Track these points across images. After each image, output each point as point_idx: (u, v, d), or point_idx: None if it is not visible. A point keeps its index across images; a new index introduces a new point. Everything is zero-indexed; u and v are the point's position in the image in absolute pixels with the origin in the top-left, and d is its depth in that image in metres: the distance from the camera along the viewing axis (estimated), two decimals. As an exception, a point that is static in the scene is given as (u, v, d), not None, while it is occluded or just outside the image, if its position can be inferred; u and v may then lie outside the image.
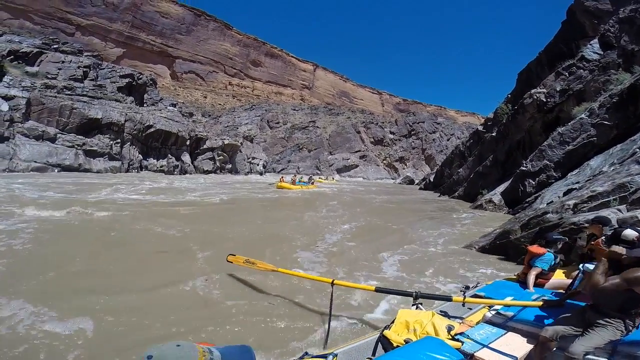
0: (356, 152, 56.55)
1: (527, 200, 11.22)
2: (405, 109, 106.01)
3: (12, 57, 24.65)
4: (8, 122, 18.53)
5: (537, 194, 10.81)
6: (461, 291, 2.90)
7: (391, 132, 63.28)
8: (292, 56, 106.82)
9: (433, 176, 30.08)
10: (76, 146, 21.01)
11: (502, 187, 13.96)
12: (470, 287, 3.16)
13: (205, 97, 78.09)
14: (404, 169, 57.35)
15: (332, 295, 3.14)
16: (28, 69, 24.62)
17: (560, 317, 2.21)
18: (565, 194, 8.38)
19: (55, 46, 28.80)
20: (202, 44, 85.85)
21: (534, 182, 11.92)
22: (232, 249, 4.91)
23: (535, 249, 3.40)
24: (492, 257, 6.09)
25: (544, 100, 13.88)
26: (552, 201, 8.26)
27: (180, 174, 27.90)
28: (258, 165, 43.37)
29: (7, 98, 19.76)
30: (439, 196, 20.31)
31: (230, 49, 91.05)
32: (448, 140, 64.57)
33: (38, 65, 25.74)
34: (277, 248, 6.33)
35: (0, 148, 17.35)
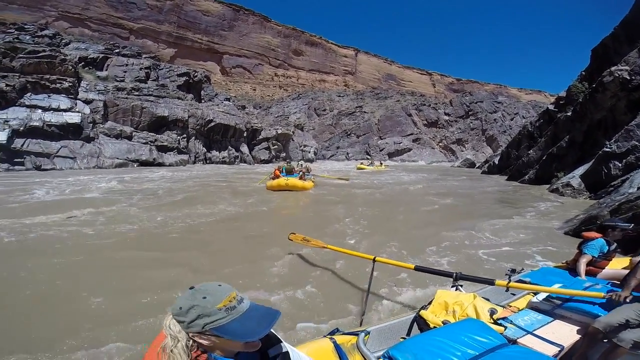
0: (408, 135, 54.17)
1: (612, 183, 10.27)
2: (459, 89, 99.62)
3: (82, 63, 26.32)
4: (91, 124, 19.84)
5: (624, 177, 9.84)
6: (506, 275, 2.68)
7: (446, 114, 59.65)
8: (332, 43, 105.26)
9: (497, 158, 27.56)
10: (149, 142, 22.07)
11: (581, 170, 12.87)
12: (517, 271, 2.95)
13: (254, 90, 79.76)
14: (462, 151, 53.90)
15: (372, 272, 3.16)
16: (99, 73, 26.22)
17: (617, 308, 2.04)
18: (660, 177, 7.53)
19: (116, 50, 30.47)
20: (245, 38, 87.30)
21: (620, 165, 10.97)
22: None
23: (588, 233, 3.18)
24: (576, 244, 5.47)
25: (628, 77, 12.76)
26: (644, 185, 7.40)
27: (240, 163, 28.42)
28: (309, 152, 43.24)
29: (87, 102, 21.16)
30: (507, 179, 19.02)
31: (271, 40, 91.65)
32: (512, 119, 59.31)
33: (106, 70, 27.30)
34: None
35: (89, 147, 18.66)
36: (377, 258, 3.25)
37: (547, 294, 2.41)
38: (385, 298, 3.50)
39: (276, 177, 12.13)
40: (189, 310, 0.85)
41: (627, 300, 2.01)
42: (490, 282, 2.53)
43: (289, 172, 12.80)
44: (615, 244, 3.11)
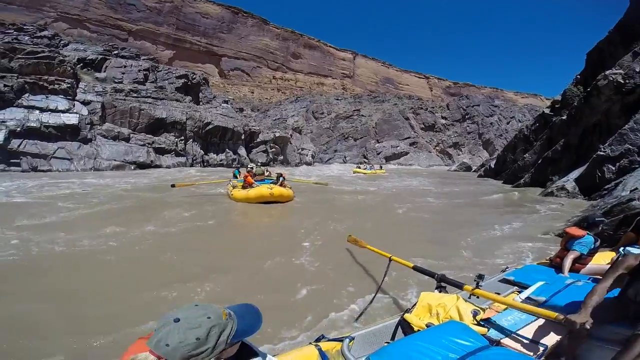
0: (405, 139, 54.40)
1: (605, 187, 10.45)
2: (456, 93, 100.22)
3: (81, 64, 26.18)
4: (89, 125, 19.81)
5: (617, 181, 9.99)
6: (475, 281, 2.60)
7: (443, 117, 59.99)
8: (330, 46, 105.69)
9: (494, 162, 27.83)
10: (147, 144, 22.04)
11: (575, 174, 13.08)
12: (487, 275, 2.93)
13: (252, 92, 79.92)
14: (459, 155, 54.18)
15: (386, 271, 3.24)
16: (97, 74, 26.14)
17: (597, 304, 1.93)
18: (652, 179, 7.77)
19: (115, 52, 30.39)
20: (243, 41, 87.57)
21: (613, 168, 11.16)
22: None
23: (574, 230, 3.21)
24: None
25: (622, 81, 12.91)
26: (636, 188, 7.48)
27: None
28: (307, 155, 43.25)
29: (85, 103, 21.13)
30: (503, 183, 19.17)
31: (270, 43, 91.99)
32: (508, 123, 59.72)
33: (105, 71, 27.21)
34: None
35: (86, 149, 18.60)
36: (393, 257, 3.27)
37: (531, 291, 2.39)
38: (389, 296, 3.57)
39: (249, 184, 9.22)
40: (209, 335, 0.84)
41: (587, 326, 1.70)
42: (460, 286, 2.52)
43: (259, 176, 10.18)
44: (599, 240, 3.19)
